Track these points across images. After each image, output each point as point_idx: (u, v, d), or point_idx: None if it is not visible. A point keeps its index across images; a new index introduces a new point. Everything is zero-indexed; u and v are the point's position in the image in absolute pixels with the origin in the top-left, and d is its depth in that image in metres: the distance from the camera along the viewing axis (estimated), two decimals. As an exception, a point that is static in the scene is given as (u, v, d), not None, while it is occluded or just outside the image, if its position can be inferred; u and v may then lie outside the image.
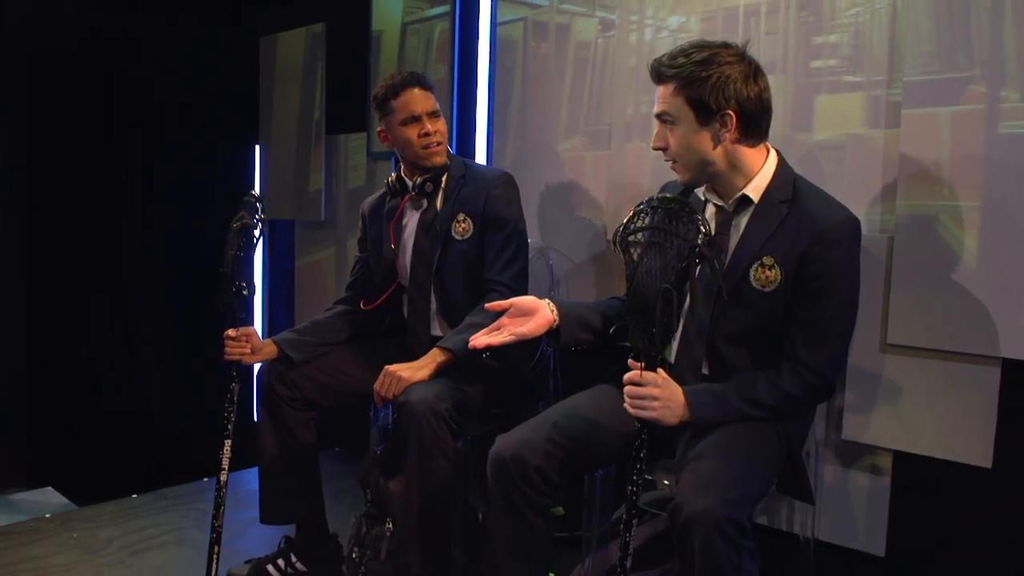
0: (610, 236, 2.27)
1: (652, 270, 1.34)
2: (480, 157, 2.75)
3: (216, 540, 1.99)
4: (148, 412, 4.26)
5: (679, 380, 1.50)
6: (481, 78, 2.74)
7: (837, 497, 1.95)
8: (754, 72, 1.53)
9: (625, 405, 1.42)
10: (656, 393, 1.40)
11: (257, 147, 3.68)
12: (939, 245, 1.76)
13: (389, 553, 1.96)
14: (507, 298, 1.69)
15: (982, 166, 1.70)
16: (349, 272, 2.34)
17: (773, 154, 1.60)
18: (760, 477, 1.45)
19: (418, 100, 2.05)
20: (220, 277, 1.99)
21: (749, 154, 1.56)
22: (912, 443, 1.83)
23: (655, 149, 1.60)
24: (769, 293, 1.53)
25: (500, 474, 1.56)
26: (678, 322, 1.59)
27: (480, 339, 1.63)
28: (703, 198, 1.66)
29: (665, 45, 2.11)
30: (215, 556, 1.99)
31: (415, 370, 1.88)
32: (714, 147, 1.53)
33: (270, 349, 2.08)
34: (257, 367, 2.35)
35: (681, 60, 1.52)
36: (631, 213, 1.42)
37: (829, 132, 1.94)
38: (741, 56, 1.53)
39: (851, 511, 1.94)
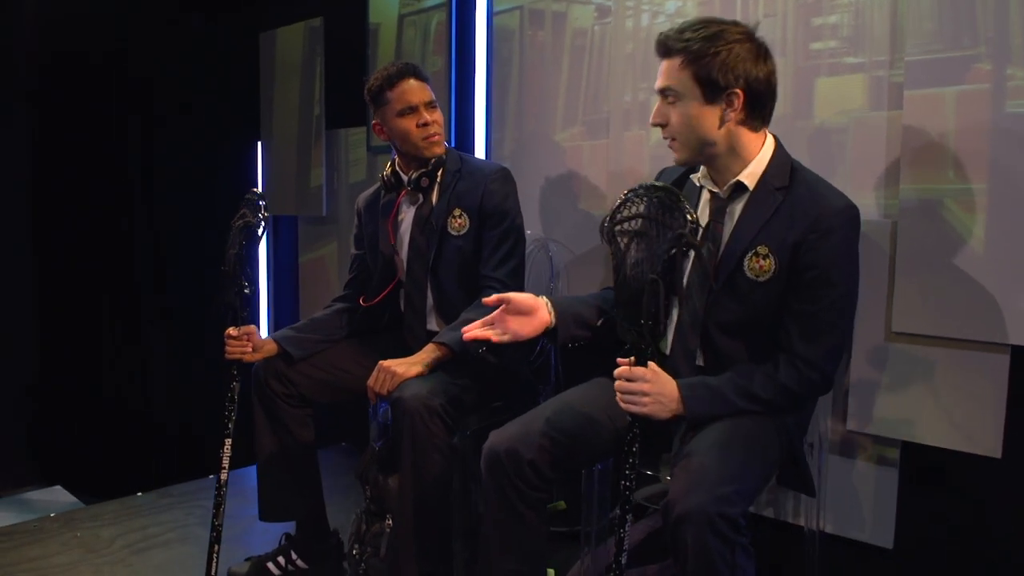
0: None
1: (639, 260, 1.30)
2: (479, 148, 2.72)
3: (216, 539, 1.99)
4: (152, 410, 4.28)
5: (673, 371, 1.47)
6: (479, 69, 2.70)
7: (843, 489, 1.91)
8: (764, 53, 1.49)
9: (617, 399, 1.39)
10: (646, 388, 1.37)
11: (259, 144, 3.67)
12: (944, 230, 1.70)
13: (389, 549, 1.95)
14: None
15: (988, 147, 1.64)
16: (348, 270, 2.32)
17: (771, 140, 1.55)
18: (756, 472, 1.41)
19: (415, 91, 2.02)
20: (221, 276, 1.98)
21: (750, 138, 1.52)
22: (919, 433, 1.78)
23: (654, 125, 1.55)
24: (763, 283, 1.49)
25: (494, 468, 1.55)
26: (668, 313, 1.56)
27: (475, 331, 1.61)
28: (698, 184, 1.62)
29: (662, 31, 2.07)
30: (215, 555, 1.98)
31: (409, 365, 1.86)
32: (718, 126, 1.49)
33: (271, 347, 2.07)
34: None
35: (689, 35, 1.47)
36: (618, 202, 1.38)
37: (830, 115, 1.89)
38: (751, 35, 1.49)
39: (858, 503, 1.90)
